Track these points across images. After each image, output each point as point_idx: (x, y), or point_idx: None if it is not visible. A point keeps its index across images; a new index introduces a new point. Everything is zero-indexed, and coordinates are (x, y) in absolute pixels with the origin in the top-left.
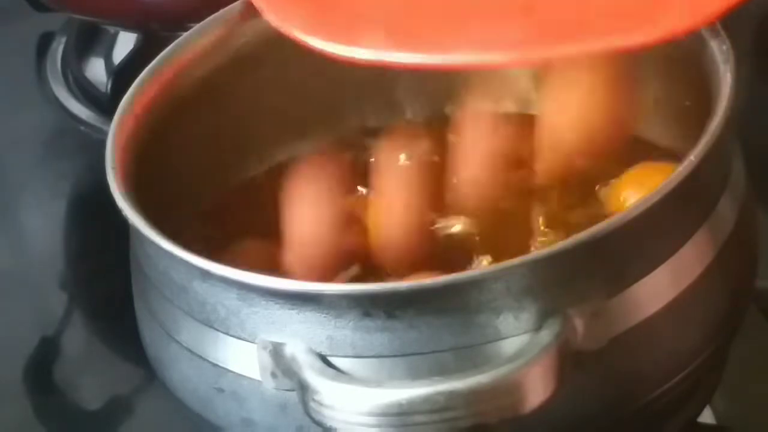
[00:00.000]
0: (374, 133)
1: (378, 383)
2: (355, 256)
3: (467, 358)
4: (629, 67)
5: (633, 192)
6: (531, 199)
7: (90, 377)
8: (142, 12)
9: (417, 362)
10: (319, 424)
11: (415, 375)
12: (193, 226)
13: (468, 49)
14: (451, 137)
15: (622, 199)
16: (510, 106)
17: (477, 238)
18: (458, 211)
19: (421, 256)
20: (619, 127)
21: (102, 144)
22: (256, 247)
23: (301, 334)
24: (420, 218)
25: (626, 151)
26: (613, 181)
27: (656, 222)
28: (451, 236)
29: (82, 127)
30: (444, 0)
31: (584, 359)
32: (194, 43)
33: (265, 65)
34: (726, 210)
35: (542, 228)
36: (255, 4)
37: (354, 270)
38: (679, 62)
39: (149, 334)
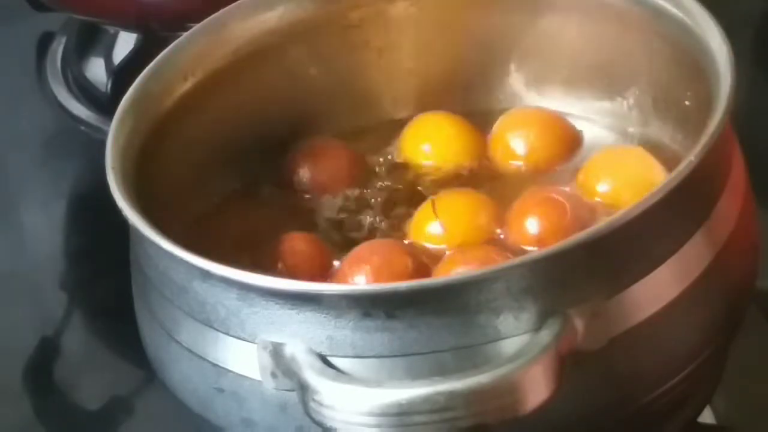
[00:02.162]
0: (374, 132)
1: (378, 383)
2: None
3: (467, 358)
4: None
5: (604, 177)
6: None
7: (90, 377)
8: (142, 12)
9: (417, 362)
10: (319, 424)
11: (415, 375)
12: (194, 226)
13: None
14: None
15: (593, 184)
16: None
17: None
18: None
19: None
20: None
21: (102, 144)
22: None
23: (301, 334)
24: None
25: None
26: (581, 168)
27: (656, 222)
28: None
29: (82, 127)
30: None
31: (584, 359)
32: (194, 43)
33: (265, 65)
34: (726, 210)
35: None
36: None
37: None
38: (678, 62)
39: (149, 334)
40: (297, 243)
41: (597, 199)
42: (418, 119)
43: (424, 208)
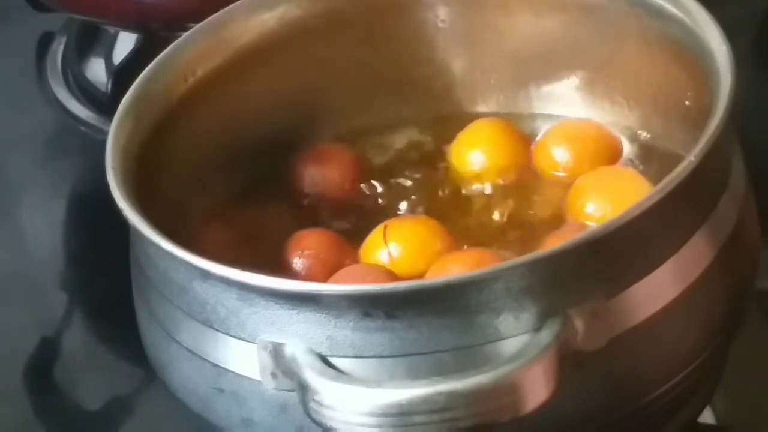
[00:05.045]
0: (375, 132)
1: (378, 383)
2: None
3: (467, 358)
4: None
5: (594, 197)
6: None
7: (90, 377)
8: (142, 12)
9: (417, 362)
10: (319, 424)
11: (415, 375)
12: (194, 227)
13: None
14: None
15: (582, 205)
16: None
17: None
18: None
19: None
20: None
21: (102, 144)
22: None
23: (301, 335)
24: None
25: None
26: (571, 187)
27: (656, 222)
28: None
29: (82, 127)
30: None
31: (584, 359)
32: (194, 43)
33: (265, 65)
34: (726, 210)
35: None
36: None
37: None
38: (679, 62)
39: (149, 335)
40: (311, 240)
41: (586, 222)
42: (474, 125)
43: (376, 233)
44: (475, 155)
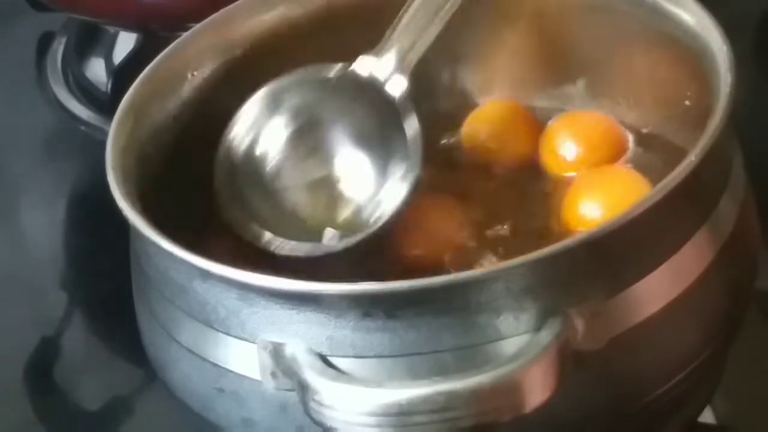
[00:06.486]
0: None
1: (378, 383)
2: None
3: (467, 358)
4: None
5: (592, 197)
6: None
7: (90, 377)
8: (142, 12)
9: (417, 362)
10: (319, 424)
11: (415, 375)
12: (194, 226)
13: None
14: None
15: (577, 205)
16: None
17: None
18: None
19: None
20: None
21: (102, 144)
22: None
23: (301, 334)
24: None
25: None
26: (569, 187)
27: (656, 222)
28: None
29: (82, 127)
30: None
31: (584, 359)
32: (194, 43)
33: (265, 65)
34: (726, 210)
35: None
36: None
37: None
38: (679, 62)
39: (150, 335)
40: None
41: (582, 221)
42: (488, 106)
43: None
44: (491, 135)
